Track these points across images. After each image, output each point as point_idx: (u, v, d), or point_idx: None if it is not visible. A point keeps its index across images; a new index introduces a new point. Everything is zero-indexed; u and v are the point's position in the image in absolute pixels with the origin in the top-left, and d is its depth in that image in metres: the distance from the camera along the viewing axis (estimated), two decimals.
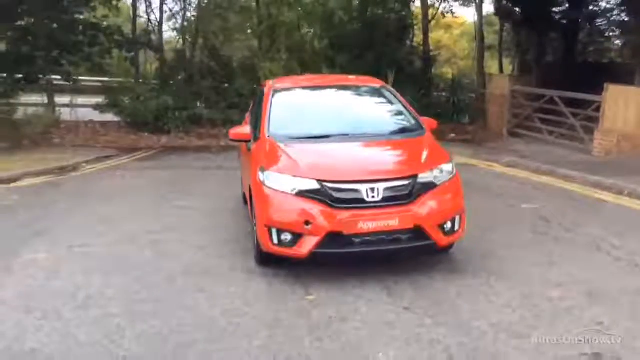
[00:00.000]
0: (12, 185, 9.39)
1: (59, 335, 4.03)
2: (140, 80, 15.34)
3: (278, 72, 15.02)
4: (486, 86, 16.28)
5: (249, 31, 16.85)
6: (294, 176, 4.89)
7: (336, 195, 4.77)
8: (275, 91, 6.21)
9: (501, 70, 19.39)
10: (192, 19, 15.94)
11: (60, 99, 14.96)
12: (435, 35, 33.88)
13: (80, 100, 14.82)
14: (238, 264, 5.38)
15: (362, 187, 4.79)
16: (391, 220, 4.79)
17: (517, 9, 17.99)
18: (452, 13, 19.73)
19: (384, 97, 6.29)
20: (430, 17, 17.56)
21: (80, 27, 14.23)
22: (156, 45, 15.35)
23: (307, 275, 5.03)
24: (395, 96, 6.25)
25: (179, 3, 15.81)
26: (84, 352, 3.83)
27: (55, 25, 14.21)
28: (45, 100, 14.80)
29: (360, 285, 4.85)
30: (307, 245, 4.77)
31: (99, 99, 14.68)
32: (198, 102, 14.70)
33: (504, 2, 17.96)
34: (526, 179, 9.40)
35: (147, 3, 15.78)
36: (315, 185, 4.80)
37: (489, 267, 5.25)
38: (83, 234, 6.40)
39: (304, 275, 5.04)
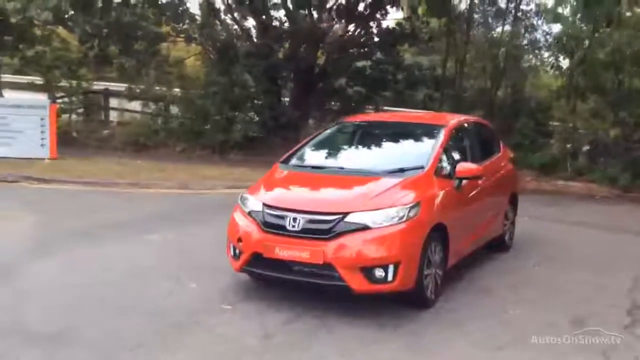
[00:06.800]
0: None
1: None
2: None
3: (578, 112, 13.84)
4: None
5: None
6: (254, 198, 5.41)
7: (267, 219, 5.11)
8: (336, 124, 6.61)
9: None
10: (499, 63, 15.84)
11: None
12: None
13: None
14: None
15: (288, 215, 4.99)
16: (303, 252, 4.87)
17: None
18: None
19: (428, 136, 5.96)
20: None
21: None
22: (443, 83, 15.92)
23: (261, 290, 5.47)
24: (437, 136, 5.86)
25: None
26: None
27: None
28: None
29: (282, 309, 5.04)
30: (240, 261, 5.24)
31: None
32: None
33: None
34: None
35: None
36: (259, 208, 5.23)
37: (414, 330, 4.73)
38: (208, 227, 7.83)
39: (259, 289, 5.49)
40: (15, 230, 7.43)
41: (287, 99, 16.86)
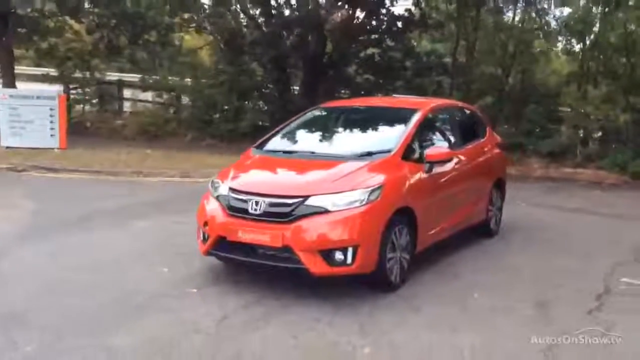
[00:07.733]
0: None
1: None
2: None
3: (589, 98, 13.55)
4: None
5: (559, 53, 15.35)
6: (223, 182, 5.44)
7: (231, 203, 5.14)
8: (314, 109, 6.59)
9: None
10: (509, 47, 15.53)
11: None
12: None
13: None
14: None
15: (250, 199, 5.01)
16: (263, 235, 4.89)
17: None
18: None
19: (401, 121, 5.90)
20: None
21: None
22: (452, 71, 15.70)
23: (230, 274, 5.53)
24: (410, 120, 5.80)
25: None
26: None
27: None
28: None
29: (245, 293, 5.07)
30: (207, 245, 5.28)
31: None
32: None
33: None
34: None
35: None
36: (226, 192, 5.26)
37: (371, 313, 4.72)
38: None
39: (228, 274, 5.54)
40: (13, 217, 7.60)
41: (296, 88, 16.84)
